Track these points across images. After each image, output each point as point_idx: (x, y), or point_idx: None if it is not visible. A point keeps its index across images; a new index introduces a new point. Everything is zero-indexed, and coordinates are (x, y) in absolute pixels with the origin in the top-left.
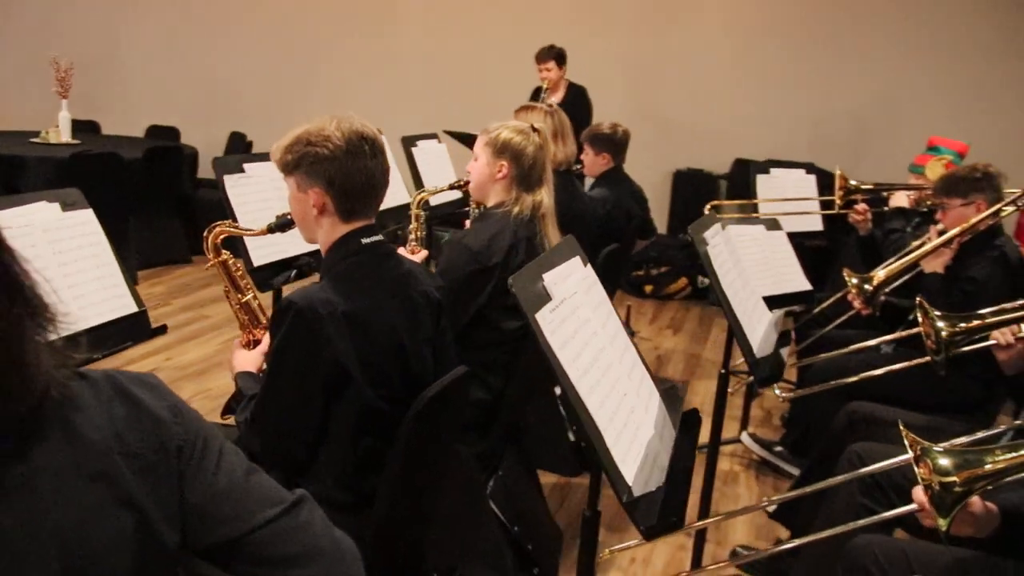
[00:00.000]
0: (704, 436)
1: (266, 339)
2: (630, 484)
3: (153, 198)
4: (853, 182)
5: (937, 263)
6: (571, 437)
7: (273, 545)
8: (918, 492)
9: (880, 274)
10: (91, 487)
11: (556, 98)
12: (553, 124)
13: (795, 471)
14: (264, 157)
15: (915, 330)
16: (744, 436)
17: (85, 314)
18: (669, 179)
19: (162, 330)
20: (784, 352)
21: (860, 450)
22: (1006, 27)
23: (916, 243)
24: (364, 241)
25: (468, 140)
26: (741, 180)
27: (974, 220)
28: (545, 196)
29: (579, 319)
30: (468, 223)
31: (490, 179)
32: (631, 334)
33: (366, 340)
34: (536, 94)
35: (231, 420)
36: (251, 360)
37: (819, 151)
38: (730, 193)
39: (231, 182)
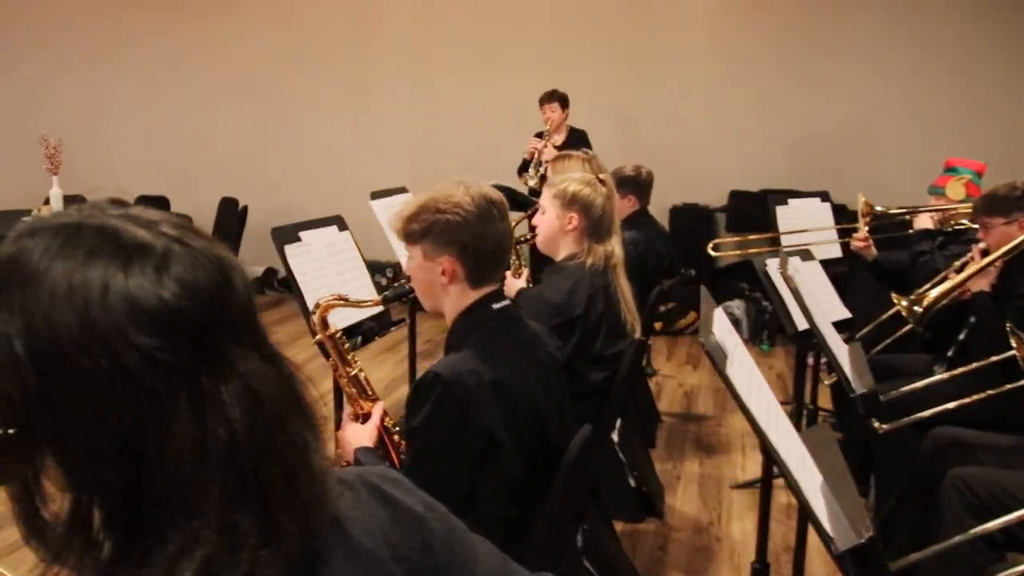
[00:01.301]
0: (753, 472)
1: (377, 411)
2: (832, 535)
3: None
4: (879, 208)
5: (983, 282)
6: (632, 483)
7: None
8: None
9: (932, 294)
10: None
11: (558, 140)
12: (592, 170)
13: None
14: (314, 224)
15: (1008, 354)
16: None
17: None
18: (665, 215)
19: None
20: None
21: (964, 475)
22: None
23: (959, 263)
24: (495, 307)
25: None
26: (738, 212)
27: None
28: (616, 246)
29: (747, 368)
30: (509, 275)
31: (560, 231)
32: (653, 373)
33: (511, 408)
34: (539, 136)
35: None
36: (366, 434)
37: (815, 177)
38: (729, 225)
39: (291, 252)
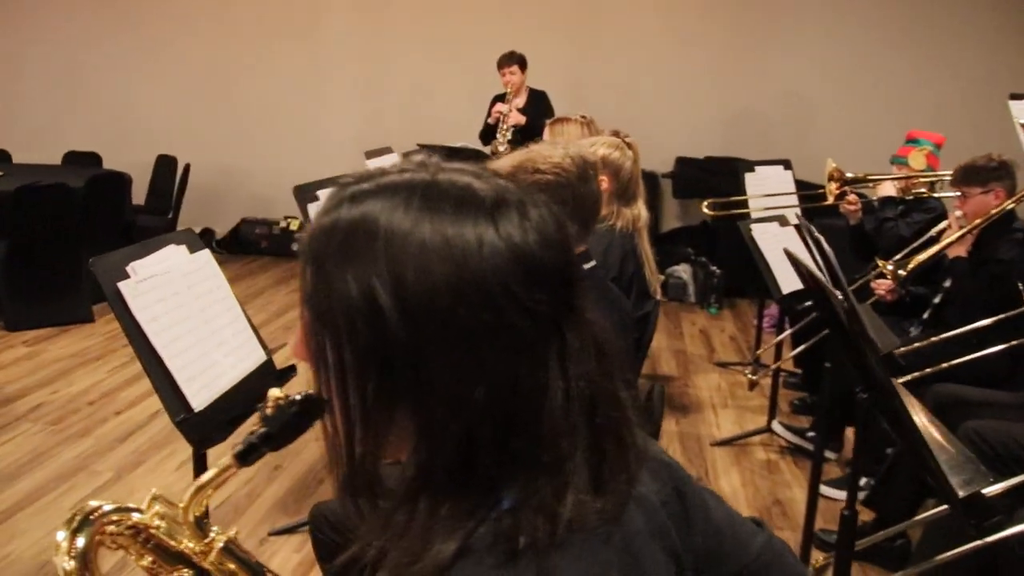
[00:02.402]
0: (729, 429)
1: None
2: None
3: (98, 229)
4: (850, 174)
5: (960, 248)
6: None
7: (769, 572)
8: None
9: (918, 258)
10: (657, 545)
11: (519, 102)
12: (591, 132)
13: (830, 454)
14: (327, 184)
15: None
16: (775, 425)
17: (231, 364)
18: None
19: (291, 371)
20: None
21: (978, 427)
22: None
23: (935, 231)
24: (585, 267)
25: (449, 153)
26: (685, 178)
27: (1008, 205)
28: (642, 208)
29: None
30: None
31: None
32: None
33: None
34: (500, 99)
35: None
36: None
37: (761, 145)
38: (675, 191)
39: (314, 210)
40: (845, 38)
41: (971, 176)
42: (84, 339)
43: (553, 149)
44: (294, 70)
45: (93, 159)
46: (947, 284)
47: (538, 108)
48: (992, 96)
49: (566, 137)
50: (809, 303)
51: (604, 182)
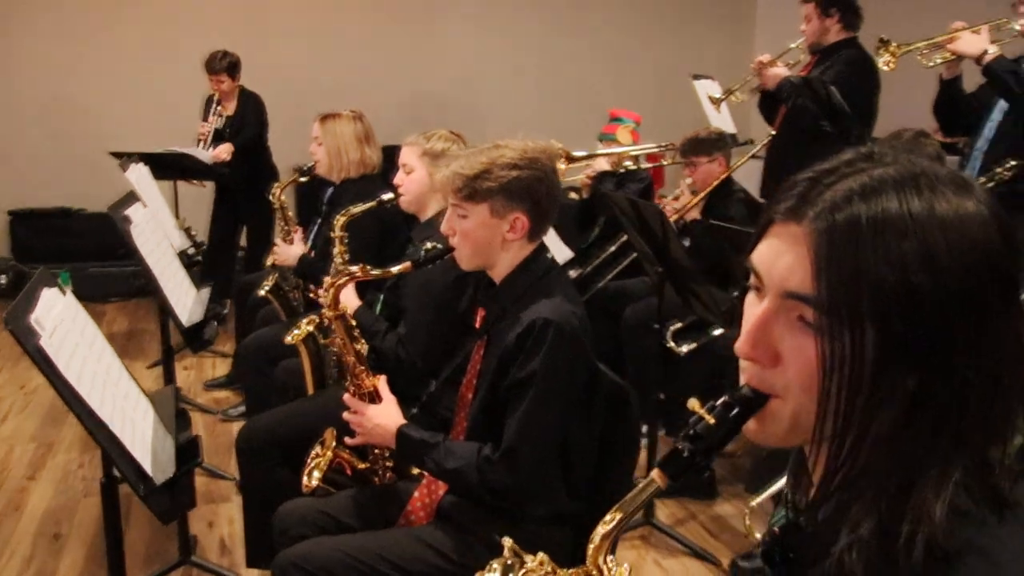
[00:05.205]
0: None
1: (384, 384)
2: None
3: None
4: (578, 153)
5: (695, 212)
6: None
7: None
8: None
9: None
10: None
11: (229, 110)
12: (364, 128)
13: None
14: (126, 202)
15: None
16: None
17: (141, 417)
18: None
19: (184, 415)
20: None
21: None
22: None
23: (669, 200)
24: (548, 256)
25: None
26: None
27: (740, 163)
28: None
29: None
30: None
31: (430, 189)
32: None
33: (592, 348)
34: (210, 103)
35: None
36: (394, 411)
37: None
38: None
39: (136, 231)
40: (491, 29)
41: (698, 147)
42: None
43: (517, 143)
44: None
45: None
46: (686, 243)
47: (249, 112)
48: (675, 78)
49: (339, 132)
50: None
51: None
